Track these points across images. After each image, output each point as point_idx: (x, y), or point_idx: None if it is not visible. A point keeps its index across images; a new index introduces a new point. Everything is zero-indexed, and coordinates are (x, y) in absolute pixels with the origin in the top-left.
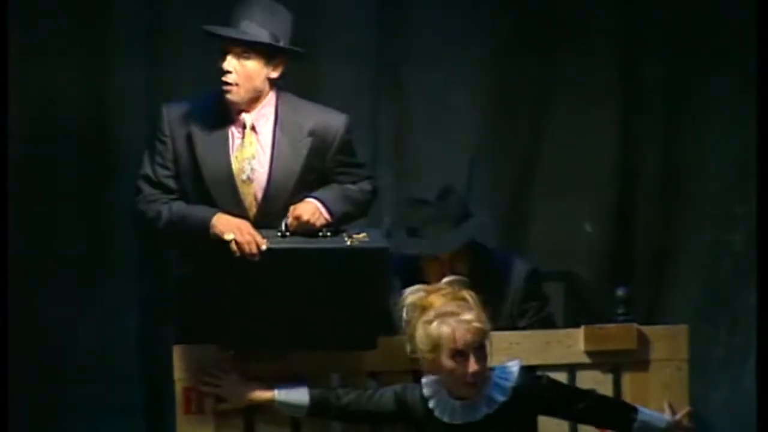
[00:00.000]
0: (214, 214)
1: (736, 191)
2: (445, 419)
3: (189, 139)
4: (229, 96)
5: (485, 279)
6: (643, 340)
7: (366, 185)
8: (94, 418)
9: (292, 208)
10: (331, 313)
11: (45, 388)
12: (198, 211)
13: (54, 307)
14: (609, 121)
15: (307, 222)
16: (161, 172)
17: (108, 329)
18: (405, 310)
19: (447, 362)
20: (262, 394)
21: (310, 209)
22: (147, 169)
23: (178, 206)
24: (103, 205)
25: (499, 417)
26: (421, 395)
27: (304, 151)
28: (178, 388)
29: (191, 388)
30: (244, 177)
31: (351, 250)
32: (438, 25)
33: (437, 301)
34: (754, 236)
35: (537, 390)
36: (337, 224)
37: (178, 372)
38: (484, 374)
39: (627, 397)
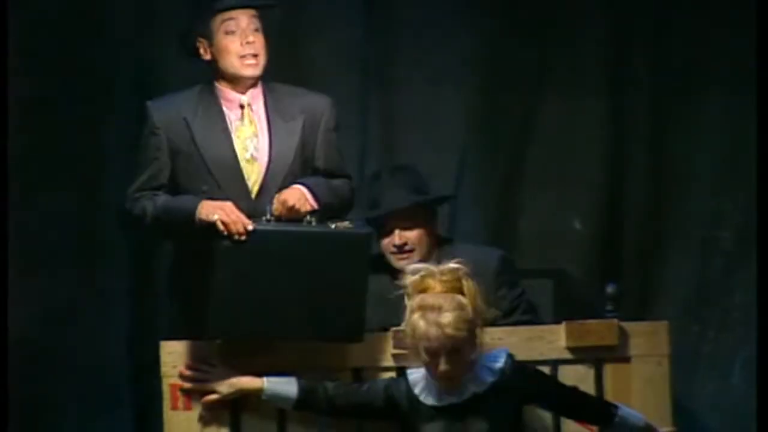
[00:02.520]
0: (198, 201)
1: (725, 188)
2: (431, 402)
3: (186, 125)
4: (250, 72)
5: None
6: (625, 336)
7: (346, 183)
8: (83, 416)
9: (277, 194)
10: (315, 300)
11: (34, 385)
12: (182, 201)
13: (43, 304)
14: (598, 118)
15: (293, 207)
16: (155, 166)
17: (97, 326)
18: (405, 292)
19: (422, 354)
20: (251, 383)
21: (296, 194)
22: (142, 167)
23: (163, 200)
24: (94, 203)
25: (485, 400)
26: (407, 384)
27: (298, 129)
28: (166, 384)
29: (178, 383)
30: (247, 156)
31: (336, 234)
32: (426, 22)
33: (436, 286)
34: (743, 233)
35: (523, 376)
36: (322, 214)
37: (166, 368)
38: (456, 373)
39: (609, 392)
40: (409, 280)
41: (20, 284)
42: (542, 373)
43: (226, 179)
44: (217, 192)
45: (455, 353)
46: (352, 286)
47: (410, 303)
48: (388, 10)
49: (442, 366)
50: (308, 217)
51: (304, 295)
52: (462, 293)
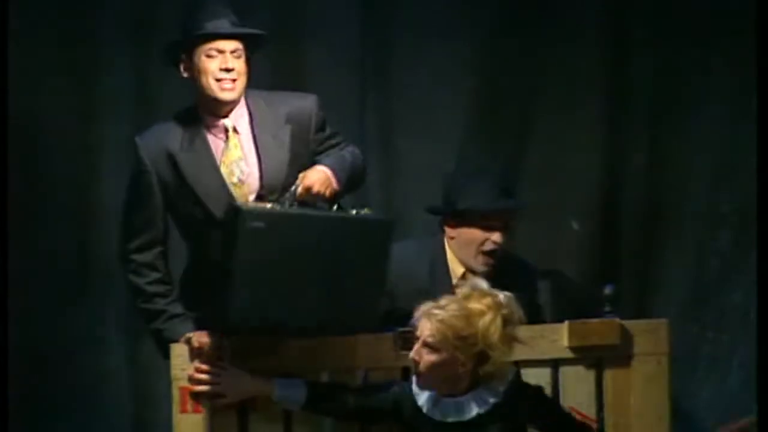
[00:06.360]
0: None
1: (722, 190)
2: (436, 417)
3: (172, 160)
4: (227, 95)
5: (512, 277)
6: (626, 335)
7: (352, 149)
8: (81, 417)
9: (301, 176)
10: (336, 286)
11: (31, 386)
12: (170, 326)
13: (40, 305)
14: (595, 120)
15: (318, 192)
16: (146, 206)
17: (94, 326)
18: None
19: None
20: (260, 387)
21: (322, 178)
22: (135, 210)
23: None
24: (89, 204)
25: (489, 418)
26: (411, 393)
27: (287, 140)
28: (175, 387)
29: (188, 387)
30: (235, 180)
31: (361, 220)
32: (424, 24)
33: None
34: (741, 234)
35: (524, 398)
36: (343, 192)
37: (175, 371)
38: (424, 372)
39: (609, 391)
40: (463, 289)
41: (20, 285)
42: (543, 396)
43: (217, 207)
44: (210, 219)
45: (427, 348)
46: (373, 274)
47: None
48: (386, 10)
49: (413, 353)
50: (330, 204)
51: (325, 281)
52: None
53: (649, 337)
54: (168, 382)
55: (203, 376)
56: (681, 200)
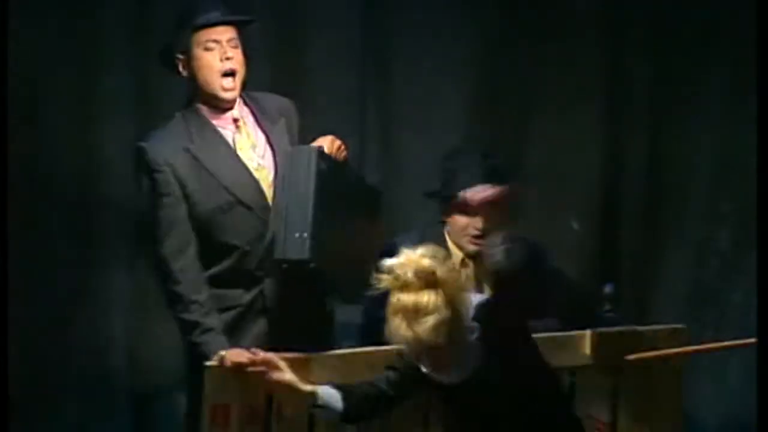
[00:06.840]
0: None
1: (722, 189)
2: (438, 378)
3: (186, 152)
4: (228, 95)
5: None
6: (646, 342)
7: None
8: (81, 416)
9: (319, 141)
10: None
11: (31, 386)
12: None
13: (42, 306)
14: (595, 119)
15: (340, 146)
16: (168, 204)
17: (96, 328)
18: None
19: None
20: (305, 386)
21: (336, 139)
22: (157, 211)
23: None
24: (89, 203)
25: (487, 372)
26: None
27: (284, 130)
28: (206, 405)
29: (219, 405)
30: (255, 165)
31: (372, 187)
32: (424, 23)
33: (412, 284)
34: (741, 234)
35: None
36: None
37: (207, 389)
38: (442, 363)
39: (625, 396)
40: (384, 279)
41: (20, 285)
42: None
43: (244, 192)
44: (237, 206)
45: (436, 349)
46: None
47: (390, 303)
48: (386, 11)
49: (424, 363)
50: None
51: (351, 228)
52: (436, 288)
53: (668, 342)
54: (169, 382)
55: (258, 368)
56: (681, 200)
